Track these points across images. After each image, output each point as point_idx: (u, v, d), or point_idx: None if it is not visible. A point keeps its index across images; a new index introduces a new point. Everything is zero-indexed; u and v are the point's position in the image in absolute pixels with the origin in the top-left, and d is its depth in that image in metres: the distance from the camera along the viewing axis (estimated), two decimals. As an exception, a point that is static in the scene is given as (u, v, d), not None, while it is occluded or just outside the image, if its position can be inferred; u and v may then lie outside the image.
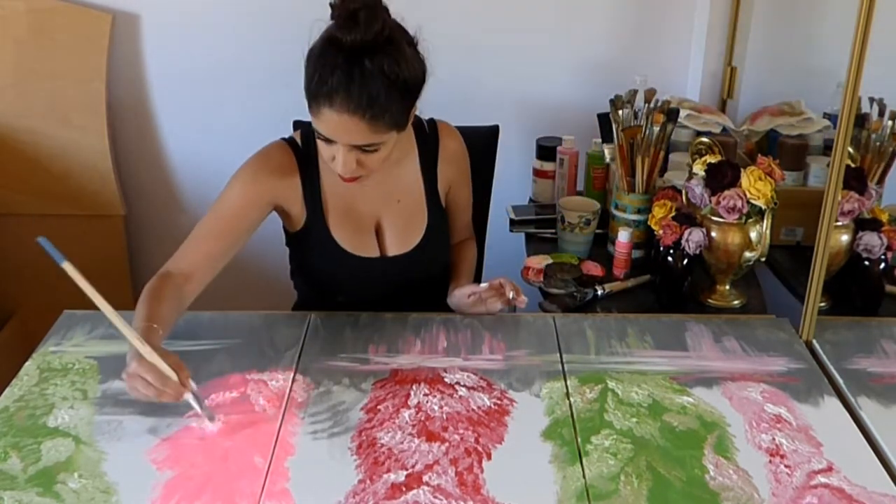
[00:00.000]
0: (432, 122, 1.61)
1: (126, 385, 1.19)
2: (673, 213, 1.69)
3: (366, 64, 1.28)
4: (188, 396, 1.20)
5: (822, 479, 1.14)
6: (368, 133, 1.32)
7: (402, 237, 1.57)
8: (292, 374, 1.35)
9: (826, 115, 2.03)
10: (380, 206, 1.56)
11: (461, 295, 1.54)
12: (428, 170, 1.58)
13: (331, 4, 1.32)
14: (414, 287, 1.61)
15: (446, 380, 1.34)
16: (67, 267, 1.13)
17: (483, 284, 1.52)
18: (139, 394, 1.18)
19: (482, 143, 1.92)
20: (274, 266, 2.40)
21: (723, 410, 1.28)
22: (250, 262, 2.53)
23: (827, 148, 1.97)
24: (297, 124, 1.89)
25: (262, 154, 1.51)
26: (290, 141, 1.54)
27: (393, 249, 1.57)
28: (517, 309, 1.52)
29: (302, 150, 1.53)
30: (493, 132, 1.96)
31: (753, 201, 1.58)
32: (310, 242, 1.55)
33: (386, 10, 1.33)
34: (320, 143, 1.38)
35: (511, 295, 1.48)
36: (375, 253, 1.56)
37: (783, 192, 1.66)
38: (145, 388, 1.17)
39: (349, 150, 1.35)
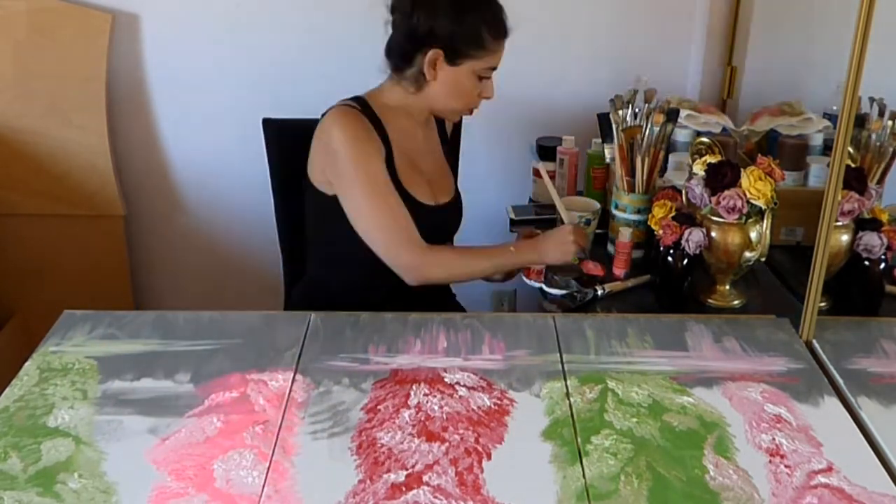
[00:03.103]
0: None
1: (570, 250, 1.62)
2: (673, 213, 1.69)
3: None
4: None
5: (822, 479, 1.14)
6: None
7: (443, 188, 1.75)
8: (292, 374, 1.35)
9: (826, 115, 2.03)
10: (428, 160, 1.73)
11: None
12: (441, 133, 1.80)
13: None
14: (451, 236, 1.83)
15: (446, 380, 1.34)
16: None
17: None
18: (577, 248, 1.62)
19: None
20: (271, 266, 2.40)
21: (723, 410, 1.28)
22: (244, 266, 2.53)
23: (827, 148, 1.97)
24: (267, 123, 1.89)
25: (352, 118, 1.61)
26: (350, 105, 1.64)
27: (439, 198, 1.73)
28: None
29: (361, 110, 1.64)
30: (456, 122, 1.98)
31: (753, 201, 1.58)
32: None
33: None
34: (473, 87, 1.62)
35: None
36: (431, 200, 1.70)
37: (783, 192, 1.66)
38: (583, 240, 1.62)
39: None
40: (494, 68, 1.63)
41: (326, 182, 1.63)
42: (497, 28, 1.59)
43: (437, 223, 1.71)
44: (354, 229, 1.62)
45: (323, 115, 1.64)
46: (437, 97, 1.64)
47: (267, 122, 1.89)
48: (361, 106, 1.65)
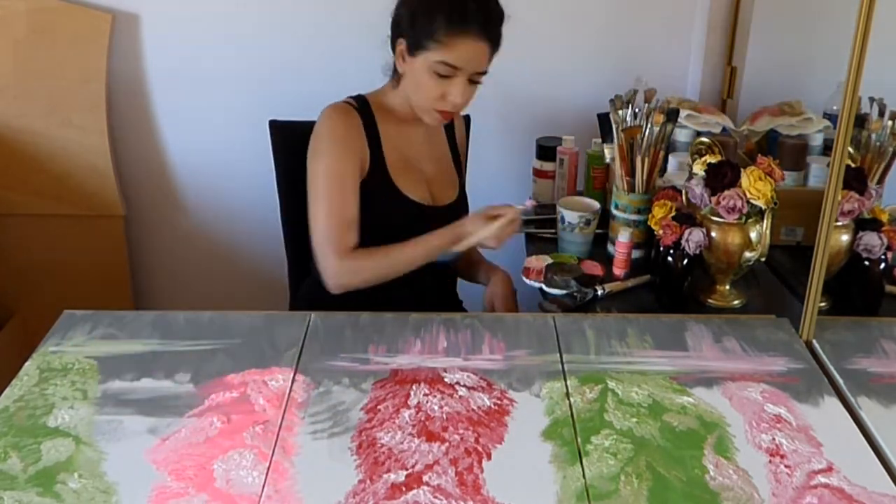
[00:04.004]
0: None
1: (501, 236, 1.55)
2: (673, 213, 1.69)
3: None
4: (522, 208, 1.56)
5: (822, 479, 1.14)
6: (488, 59, 1.55)
7: (445, 189, 1.74)
8: (292, 374, 1.35)
9: (826, 115, 2.03)
10: (426, 161, 1.72)
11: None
12: (450, 136, 1.80)
13: None
14: None
15: (446, 380, 1.34)
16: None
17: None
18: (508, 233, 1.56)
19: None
20: (270, 266, 2.41)
21: (723, 410, 1.28)
22: (245, 263, 2.53)
23: (827, 148, 1.97)
24: (273, 124, 1.89)
25: (340, 117, 1.62)
26: (347, 102, 1.65)
27: (440, 199, 1.72)
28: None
29: (358, 108, 1.64)
30: (465, 123, 1.97)
31: (753, 201, 1.58)
32: (372, 192, 1.64)
33: None
34: (431, 83, 1.53)
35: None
36: (428, 200, 1.70)
37: (783, 192, 1.66)
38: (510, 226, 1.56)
39: (465, 81, 1.54)
40: (453, 66, 1.51)
41: None
42: (453, 18, 1.48)
43: (435, 223, 1.68)
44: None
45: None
46: (407, 92, 1.61)
47: (273, 124, 1.89)
48: (360, 104, 1.66)
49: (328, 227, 1.59)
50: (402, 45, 1.55)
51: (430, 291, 1.74)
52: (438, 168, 1.75)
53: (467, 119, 1.96)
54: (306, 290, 1.82)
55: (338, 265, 1.59)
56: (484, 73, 1.56)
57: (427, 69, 1.52)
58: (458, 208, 1.76)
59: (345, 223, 1.60)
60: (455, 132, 1.81)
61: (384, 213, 1.65)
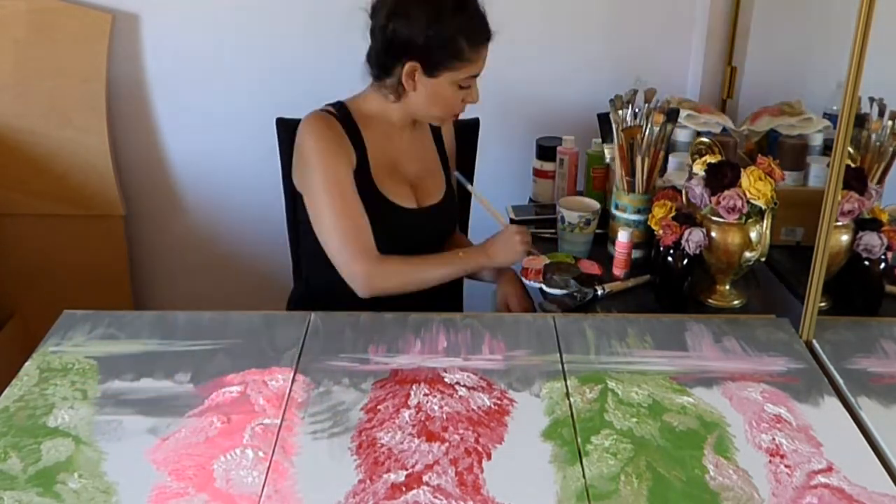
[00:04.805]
0: None
1: (518, 249, 1.67)
2: (673, 213, 1.69)
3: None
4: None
5: (822, 479, 1.14)
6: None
7: (430, 191, 1.75)
8: (292, 374, 1.35)
9: (826, 115, 2.02)
10: (412, 164, 1.73)
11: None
12: (437, 139, 1.81)
13: None
14: (440, 239, 1.80)
15: (446, 380, 1.34)
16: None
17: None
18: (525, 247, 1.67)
19: (463, 136, 1.94)
20: (270, 266, 2.40)
21: (723, 410, 1.28)
22: (245, 263, 2.53)
23: (827, 148, 1.96)
24: (280, 122, 1.89)
25: (322, 125, 1.63)
26: (325, 111, 1.66)
27: (425, 201, 1.73)
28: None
29: (338, 116, 1.66)
30: (473, 126, 1.98)
31: (753, 201, 1.58)
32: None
33: None
34: (454, 95, 1.60)
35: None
36: (414, 204, 1.70)
37: (783, 192, 1.66)
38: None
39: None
40: (476, 76, 1.61)
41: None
42: (475, 36, 1.56)
43: (420, 226, 1.71)
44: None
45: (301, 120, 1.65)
46: (418, 106, 1.64)
47: (280, 122, 1.89)
48: (340, 112, 1.66)
49: (343, 235, 1.60)
50: (413, 67, 1.56)
51: (428, 297, 1.72)
52: (424, 169, 1.76)
53: (467, 121, 1.96)
54: (302, 291, 1.82)
55: (369, 269, 1.60)
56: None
57: (451, 84, 1.58)
58: (443, 209, 1.77)
59: (358, 227, 1.61)
60: (442, 131, 1.82)
61: (370, 218, 1.64)
